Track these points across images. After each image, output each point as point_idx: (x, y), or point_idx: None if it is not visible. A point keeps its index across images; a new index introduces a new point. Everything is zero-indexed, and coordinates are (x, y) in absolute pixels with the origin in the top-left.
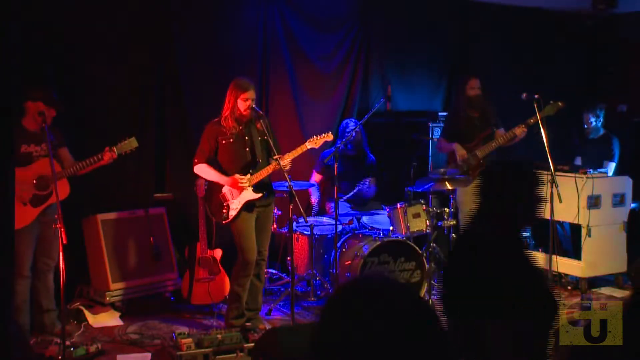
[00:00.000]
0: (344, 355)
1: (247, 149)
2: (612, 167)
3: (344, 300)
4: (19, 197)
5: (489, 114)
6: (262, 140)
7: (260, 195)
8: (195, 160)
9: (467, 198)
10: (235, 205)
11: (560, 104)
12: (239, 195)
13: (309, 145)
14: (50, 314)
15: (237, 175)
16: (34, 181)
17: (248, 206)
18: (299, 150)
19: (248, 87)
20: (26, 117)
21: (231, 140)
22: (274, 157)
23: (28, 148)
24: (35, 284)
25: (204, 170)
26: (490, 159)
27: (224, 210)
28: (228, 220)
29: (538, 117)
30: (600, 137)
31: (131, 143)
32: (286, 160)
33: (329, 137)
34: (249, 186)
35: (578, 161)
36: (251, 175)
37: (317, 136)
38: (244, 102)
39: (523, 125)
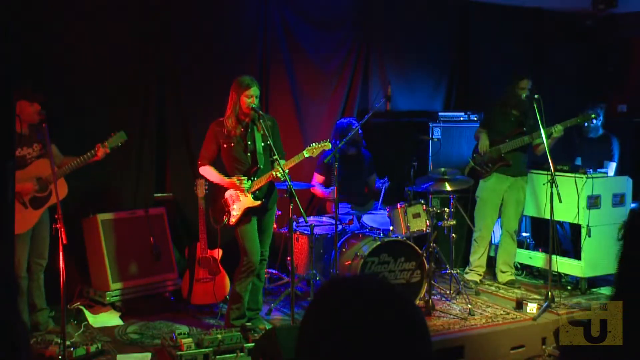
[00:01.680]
0: (323, 355)
1: (248, 154)
2: (612, 167)
3: (323, 300)
4: (24, 191)
5: (528, 116)
6: (266, 146)
7: (259, 203)
8: (199, 163)
9: (486, 194)
10: (235, 212)
11: (593, 115)
12: (239, 202)
13: (306, 154)
14: (43, 312)
15: (235, 178)
16: (33, 183)
17: (249, 212)
18: (295, 160)
19: (251, 84)
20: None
21: (232, 144)
22: (274, 157)
23: (21, 151)
24: (29, 284)
25: (208, 172)
26: (511, 156)
27: (225, 216)
28: (230, 225)
29: (538, 117)
30: (599, 137)
31: (120, 137)
32: (279, 172)
33: (327, 146)
34: (248, 193)
35: (578, 161)
36: (252, 182)
37: (315, 144)
38: (248, 99)
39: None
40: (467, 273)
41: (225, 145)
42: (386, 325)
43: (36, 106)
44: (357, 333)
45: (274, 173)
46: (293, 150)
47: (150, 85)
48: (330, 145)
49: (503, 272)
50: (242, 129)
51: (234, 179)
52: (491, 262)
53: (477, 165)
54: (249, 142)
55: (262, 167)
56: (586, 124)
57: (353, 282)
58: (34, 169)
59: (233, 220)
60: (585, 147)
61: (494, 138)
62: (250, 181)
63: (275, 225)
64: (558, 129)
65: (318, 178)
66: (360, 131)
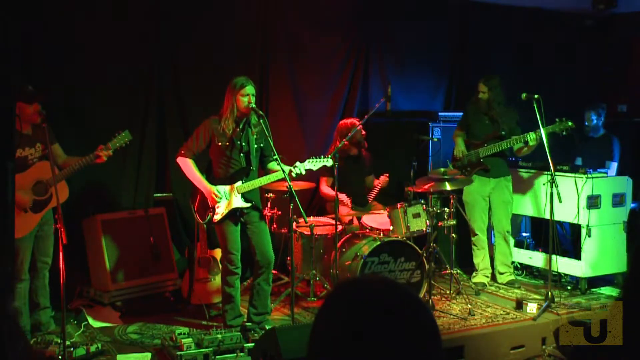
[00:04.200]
0: (335, 355)
1: (242, 154)
2: (614, 167)
3: (335, 301)
4: (19, 204)
5: (501, 118)
6: (258, 148)
7: (249, 204)
8: (182, 152)
9: (471, 198)
10: (221, 210)
11: (570, 123)
12: (226, 200)
13: (307, 165)
14: (46, 311)
15: (215, 190)
16: (32, 187)
17: (233, 212)
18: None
19: (246, 83)
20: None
21: (227, 143)
22: (274, 157)
23: (23, 152)
24: (34, 283)
25: (188, 167)
26: (489, 160)
27: (209, 212)
28: (212, 222)
29: (538, 117)
30: (600, 137)
31: (124, 137)
32: (298, 169)
33: (329, 162)
34: (238, 193)
35: (578, 161)
36: (243, 183)
37: (316, 159)
38: (244, 98)
39: (524, 146)
40: (474, 277)
41: (219, 144)
42: (397, 327)
43: (35, 106)
44: (367, 335)
45: (293, 172)
46: (293, 150)
47: (150, 86)
48: (331, 161)
49: (501, 273)
50: (237, 129)
51: (214, 190)
52: (492, 262)
53: (457, 168)
54: (244, 144)
55: (254, 168)
56: (586, 123)
57: (365, 283)
58: (35, 170)
59: (217, 217)
60: (585, 147)
61: (472, 141)
62: (243, 182)
63: (275, 225)
64: (532, 137)
65: (326, 181)
66: (363, 132)
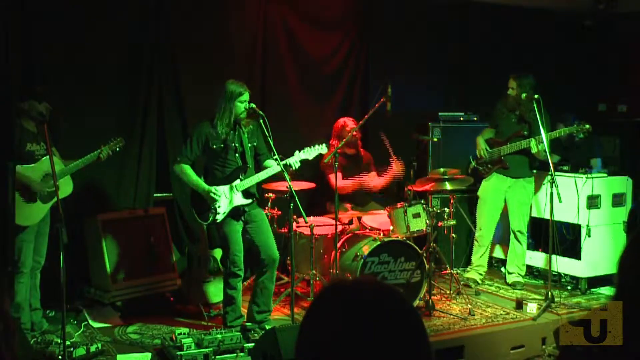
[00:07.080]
0: (321, 355)
1: (237, 155)
2: (598, 163)
3: (322, 303)
4: (30, 194)
5: (526, 116)
6: (252, 147)
7: (250, 201)
8: (178, 159)
9: (486, 193)
10: (222, 210)
11: (587, 126)
12: (227, 199)
13: (302, 155)
14: (37, 312)
15: (214, 189)
16: (42, 178)
17: (235, 211)
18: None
19: (244, 90)
20: (25, 117)
21: (222, 145)
22: (274, 158)
23: (31, 147)
24: None
25: (184, 173)
26: (510, 158)
27: (210, 213)
28: (215, 223)
29: (538, 117)
30: (580, 141)
31: (119, 142)
32: (294, 162)
33: (323, 149)
34: (238, 191)
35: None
36: (241, 181)
37: (310, 148)
38: (242, 105)
39: (536, 141)
40: (467, 272)
41: (214, 147)
42: (383, 328)
43: (44, 105)
44: (355, 337)
45: (280, 162)
46: (293, 151)
47: (150, 86)
48: (326, 148)
49: (510, 272)
50: (231, 131)
51: (212, 189)
52: (491, 262)
53: (479, 165)
54: (237, 144)
55: (250, 166)
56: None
57: (352, 285)
58: (42, 164)
59: (219, 217)
60: (569, 153)
61: (497, 139)
62: (241, 180)
63: (275, 225)
64: (533, 144)
65: (334, 177)
66: (354, 133)
